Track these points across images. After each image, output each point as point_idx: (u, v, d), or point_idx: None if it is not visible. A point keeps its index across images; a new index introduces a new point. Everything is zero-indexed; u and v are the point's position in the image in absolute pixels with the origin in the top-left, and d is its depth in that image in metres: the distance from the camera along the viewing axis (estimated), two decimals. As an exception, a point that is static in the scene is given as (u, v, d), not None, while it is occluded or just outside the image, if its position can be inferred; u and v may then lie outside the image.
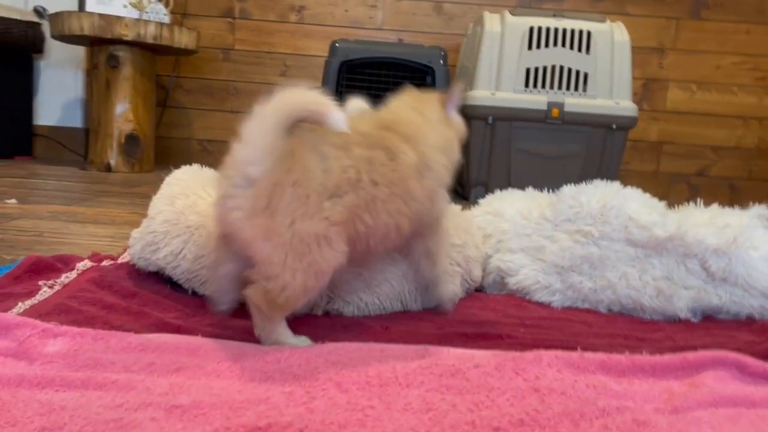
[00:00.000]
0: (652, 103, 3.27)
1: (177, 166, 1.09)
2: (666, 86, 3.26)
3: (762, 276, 1.01)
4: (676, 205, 1.15)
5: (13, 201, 1.67)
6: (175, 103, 3.21)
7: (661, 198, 1.16)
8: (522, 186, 1.28)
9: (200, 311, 0.85)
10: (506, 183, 2.42)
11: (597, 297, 1.02)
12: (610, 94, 2.43)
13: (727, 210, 1.12)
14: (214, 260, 0.80)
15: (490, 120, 2.40)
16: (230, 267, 0.77)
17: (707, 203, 1.14)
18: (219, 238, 0.77)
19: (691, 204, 1.16)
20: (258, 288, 0.72)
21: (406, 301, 0.95)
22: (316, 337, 0.79)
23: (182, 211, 0.92)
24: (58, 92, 3.14)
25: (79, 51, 3.04)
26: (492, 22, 2.46)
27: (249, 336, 0.78)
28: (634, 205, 1.04)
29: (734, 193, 3.30)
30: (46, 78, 3.12)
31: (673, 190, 3.30)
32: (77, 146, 3.13)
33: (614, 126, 2.42)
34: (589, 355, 0.74)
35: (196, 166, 1.06)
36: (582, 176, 2.49)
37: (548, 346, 0.81)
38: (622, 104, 2.42)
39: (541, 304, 1.05)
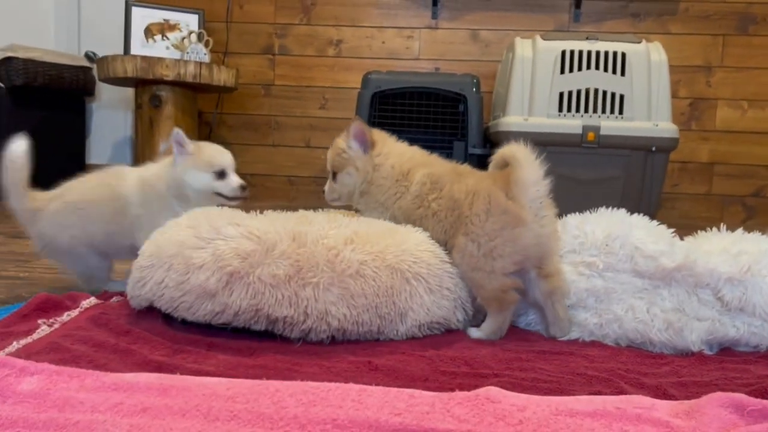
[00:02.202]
0: (701, 123, 3.16)
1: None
2: (715, 105, 3.14)
3: (782, 306, 0.95)
4: (722, 229, 1.09)
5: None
6: (219, 139, 3.30)
7: (714, 221, 1.12)
8: (561, 212, 1.25)
9: (188, 347, 0.86)
10: (543, 209, 2.38)
11: (603, 331, 0.98)
12: (648, 115, 2.36)
13: (749, 236, 1.06)
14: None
15: (523, 146, 2.36)
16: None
17: (764, 225, 1.08)
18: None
19: (714, 229, 1.10)
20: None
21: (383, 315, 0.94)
22: (293, 372, 0.79)
23: (162, 245, 0.95)
24: (109, 132, 3.28)
25: (128, 92, 3.17)
26: (523, 47, 2.44)
27: (231, 371, 0.79)
28: (639, 234, 1.00)
29: (794, 213, 3.13)
30: (98, 119, 3.27)
31: (727, 212, 3.16)
32: (127, 183, 3.25)
33: (654, 148, 2.34)
34: (570, 400, 0.71)
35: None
36: (622, 200, 2.42)
37: (538, 386, 0.79)
38: (662, 125, 2.34)
39: (545, 337, 1.02)
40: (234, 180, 1.18)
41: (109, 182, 1.17)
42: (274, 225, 0.97)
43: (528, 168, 0.97)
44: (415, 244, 0.99)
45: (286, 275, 0.90)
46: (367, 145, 1.13)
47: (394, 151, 1.14)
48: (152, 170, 1.19)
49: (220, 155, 1.18)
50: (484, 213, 0.97)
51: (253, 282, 0.90)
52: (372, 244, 0.96)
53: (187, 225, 0.98)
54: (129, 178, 1.17)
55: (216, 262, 0.90)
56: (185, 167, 1.14)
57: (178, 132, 1.14)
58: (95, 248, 1.15)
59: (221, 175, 1.17)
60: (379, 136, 1.17)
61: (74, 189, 1.17)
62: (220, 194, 1.17)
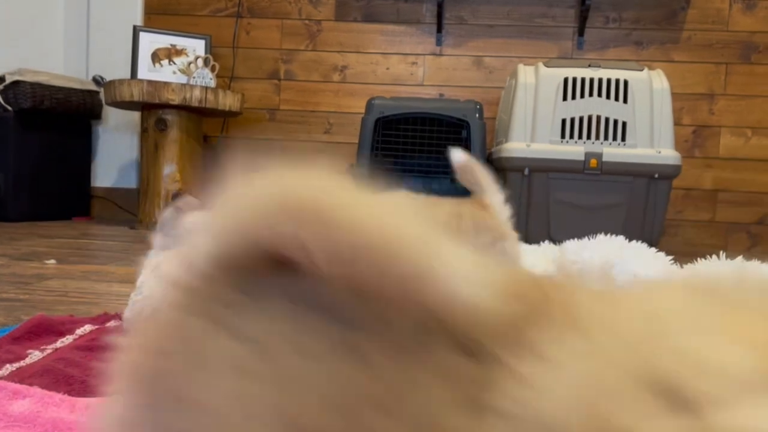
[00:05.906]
0: (705, 150, 3.16)
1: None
2: (718, 132, 3.15)
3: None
4: (722, 256, 1.09)
5: (52, 261, 1.74)
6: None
7: (719, 248, 1.13)
8: (563, 238, 1.26)
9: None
10: (546, 235, 2.37)
11: (601, 358, 0.97)
12: (650, 142, 2.37)
13: (748, 264, 1.05)
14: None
15: (526, 171, 2.37)
16: None
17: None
18: None
19: (714, 257, 1.10)
20: None
21: None
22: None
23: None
24: (114, 155, 3.31)
25: (134, 116, 3.21)
26: (526, 74, 2.46)
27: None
28: (637, 261, 1.00)
29: (799, 242, 3.12)
30: (104, 142, 3.30)
31: (731, 240, 3.15)
32: (132, 206, 3.27)
33: (656, 175, 2.34)
34: None
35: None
36: (625, 227, 2.42)
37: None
38: (664, 153, 2.35)
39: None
40: None
41: None
42: None
43: (496, 194, 1.09)
44: None
45: None
46: None
47: None
48: None
49: None
50: (474, 231, 1.04)
51: None
52: None
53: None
54: None
55: None
56: None
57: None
58: None
59: None
60: None
61: None
62: None
